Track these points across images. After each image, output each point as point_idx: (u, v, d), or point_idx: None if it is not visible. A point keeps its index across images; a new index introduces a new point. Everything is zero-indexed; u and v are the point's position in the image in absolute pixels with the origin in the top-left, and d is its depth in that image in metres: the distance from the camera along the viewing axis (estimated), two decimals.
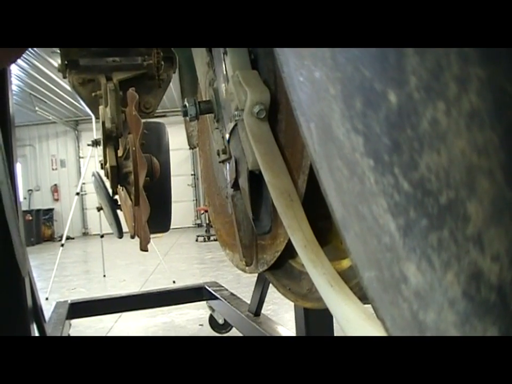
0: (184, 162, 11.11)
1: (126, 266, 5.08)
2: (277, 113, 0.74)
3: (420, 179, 0.20)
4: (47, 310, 1.94)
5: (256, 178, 0.81)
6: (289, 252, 0.82)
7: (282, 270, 0.89)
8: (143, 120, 1.33)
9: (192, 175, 11.64)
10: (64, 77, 1.61)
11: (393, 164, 0.21)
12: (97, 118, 1.69)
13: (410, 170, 0.20)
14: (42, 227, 9.80)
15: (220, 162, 1.00)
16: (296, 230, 0.72)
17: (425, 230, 0.20)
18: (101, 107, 1.58)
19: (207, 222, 7.94)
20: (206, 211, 7.72)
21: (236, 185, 0.90)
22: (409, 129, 0.19)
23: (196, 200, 11.70)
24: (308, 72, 0.25)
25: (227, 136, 0.88)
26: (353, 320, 0.45)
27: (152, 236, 1.40)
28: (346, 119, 0.23)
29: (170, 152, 1.98)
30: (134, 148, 1.32)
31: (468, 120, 0.17)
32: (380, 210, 0.23)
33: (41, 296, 1.95)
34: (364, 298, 0.51)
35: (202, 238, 7.33)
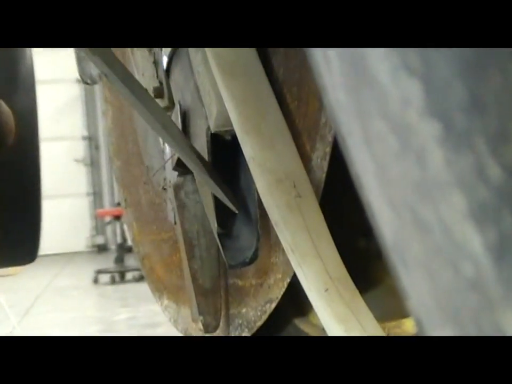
0: (68, 111, 10.41)
1: None
2: None
3: None
4: None
5: (225, 150, 0.81)
6: (295, 303, 0.86)
7: None
8: None
9: (86, 139, 10.87)
10: None
11: (474, 134, 0.23)
12: None
13: (504, 147, 0.22)
14: None
15: None
16: (308, 255, 0.71)
17: None
18: None
19: (120, 240, 7.45)
20: (118, 217, 7.33)
21: (182, 165, 0.88)
22: (497, 75, 0.22)
23: (95, 193, 10.92)
24: None
25: (165, 60, 0.86)
26: None
27: None
28: (391, 50, 0.25)
29: (40, 90, 1.79)
30: None
31: None
32: (454, 216, 0.25)
33: None
34: None
35: (109, 275, 6.77)
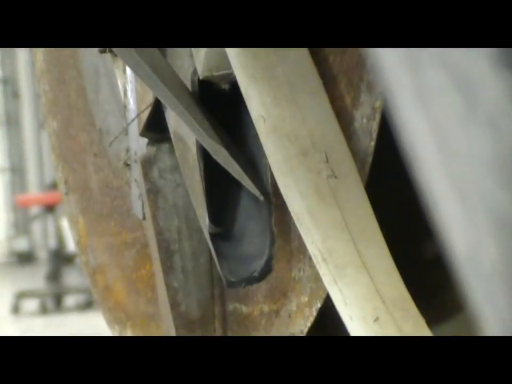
0: None
1: None
2: None
3: None
4: None
5: (220, 105, 0.68)
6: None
7: None
8: None
9: None
10: None
11: None
12: None
13: None
14: None
15: (102, 52, 0.83)
16: (348, 267, 0.63)
17: None
18: None
19: (55, 244, 6.47)
20: (52, 207, 6.36)
21: (155, 127, 0.76)
22: None
23: (13, 169, 9.34)
24: None
25: None
26: None
27: None
28: None
29: None
30: None
31: None
32: None
33: None
34: None
35: (38, 300, 5.81)
